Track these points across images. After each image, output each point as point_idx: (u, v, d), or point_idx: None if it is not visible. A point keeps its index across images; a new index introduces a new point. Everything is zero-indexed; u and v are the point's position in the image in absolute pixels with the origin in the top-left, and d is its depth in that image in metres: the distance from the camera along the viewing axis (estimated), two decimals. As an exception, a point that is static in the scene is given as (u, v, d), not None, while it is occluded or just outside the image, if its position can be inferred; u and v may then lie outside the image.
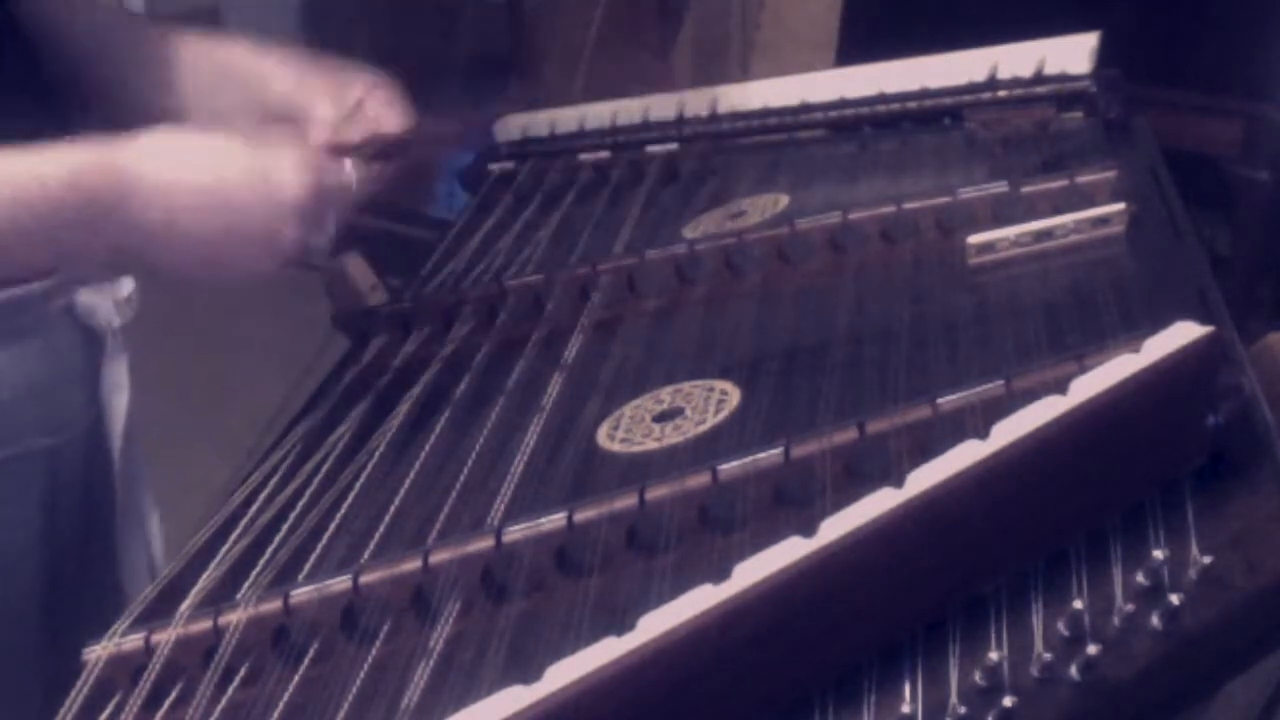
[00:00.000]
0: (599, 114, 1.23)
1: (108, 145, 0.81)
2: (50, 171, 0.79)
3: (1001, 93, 1.09)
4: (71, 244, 0.82)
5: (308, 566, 0.75)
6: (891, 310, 0.85)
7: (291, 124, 0.94)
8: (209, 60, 0.96)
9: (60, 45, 0.94)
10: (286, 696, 0.67)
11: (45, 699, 0.71)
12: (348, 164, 0.87)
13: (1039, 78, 1.08)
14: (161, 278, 0.85)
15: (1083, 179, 0.91)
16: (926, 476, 0.61)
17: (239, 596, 0.73)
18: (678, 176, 1.15)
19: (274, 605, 0.71)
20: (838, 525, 0.59)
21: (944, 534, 0.61)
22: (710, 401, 0.81)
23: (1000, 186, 0.92)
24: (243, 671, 0.70)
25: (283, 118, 0.94)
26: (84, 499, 0.92)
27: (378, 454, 0.86)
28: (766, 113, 1.17)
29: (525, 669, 0.58)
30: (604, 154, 1.20)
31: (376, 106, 0.95)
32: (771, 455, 0.70)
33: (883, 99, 1.13)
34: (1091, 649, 0.58)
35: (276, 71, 0.95)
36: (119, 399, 0.97)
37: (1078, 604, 0.60)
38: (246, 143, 0.84)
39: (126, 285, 0.95)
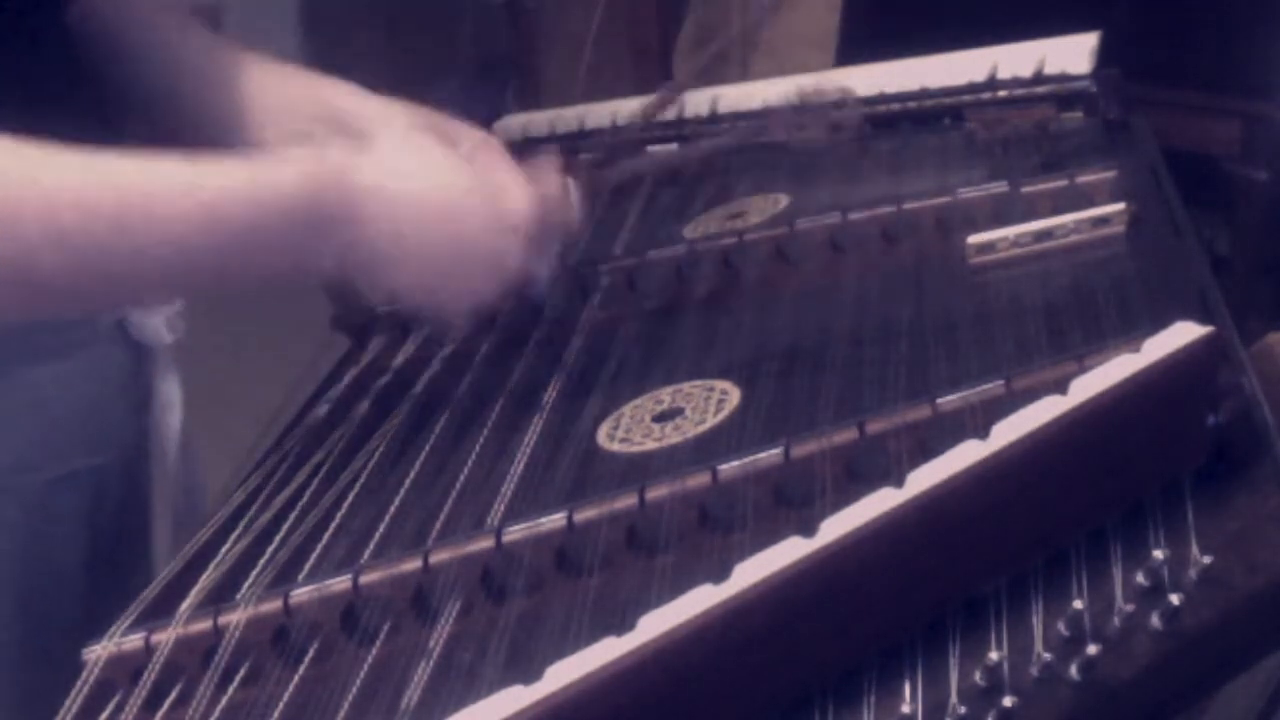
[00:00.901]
0: (599, 114, 1.23)
1: (334, 157, 0.78)
2: (280, 180, 0.75)
3: (1001, 93, 1.09)
4: (293, 256, 0.77)
5: (308, 566, 0.75)
6: (891, 310, 0.85)
7: None
8: (292, 92, 0.92)
9: (125, 57, 0.91)
10: (286, 696, 0.67)
11: None
12: (572, 189, 0.85)
13: (1039, 78, 1.09)
14: (381, 298, 0.81)
15: (1083, 179, 0.91)
16: (926, 476, 0.61)
17: (239, 596, 0.73)
18: (678, 176, 1.15)
19: (274, 605, 0.71)
20: (838, 525, 0.59)
21: (944, 534, 0.61)
22: (710, 401, 0.81)
23: (1000, 186, 0.92)
24: (243, 671, 0.70)
25: None
26: (123, 517, 0.91)
27: (378, 454, 0.86)
28: (766, 113, 1.17)
29: (525, 669, 0.58)
30: (603, 154, 1.20)
31: (487, 162, 0.92)
32: (771, 455, 0.70)
33: (883, 99, 1.13)
34: (1091, 649, 0.58)
35: (386, 119, 0.90)
36: (171, 417, 0.96)
37: (1078, 604, 0.60)
38: (471, 165, 0.80)
39: (176, 301, 0.93)
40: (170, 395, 0.96)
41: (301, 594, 0.71)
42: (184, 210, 0.73)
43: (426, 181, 0.79)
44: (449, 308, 0.83)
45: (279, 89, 0.92)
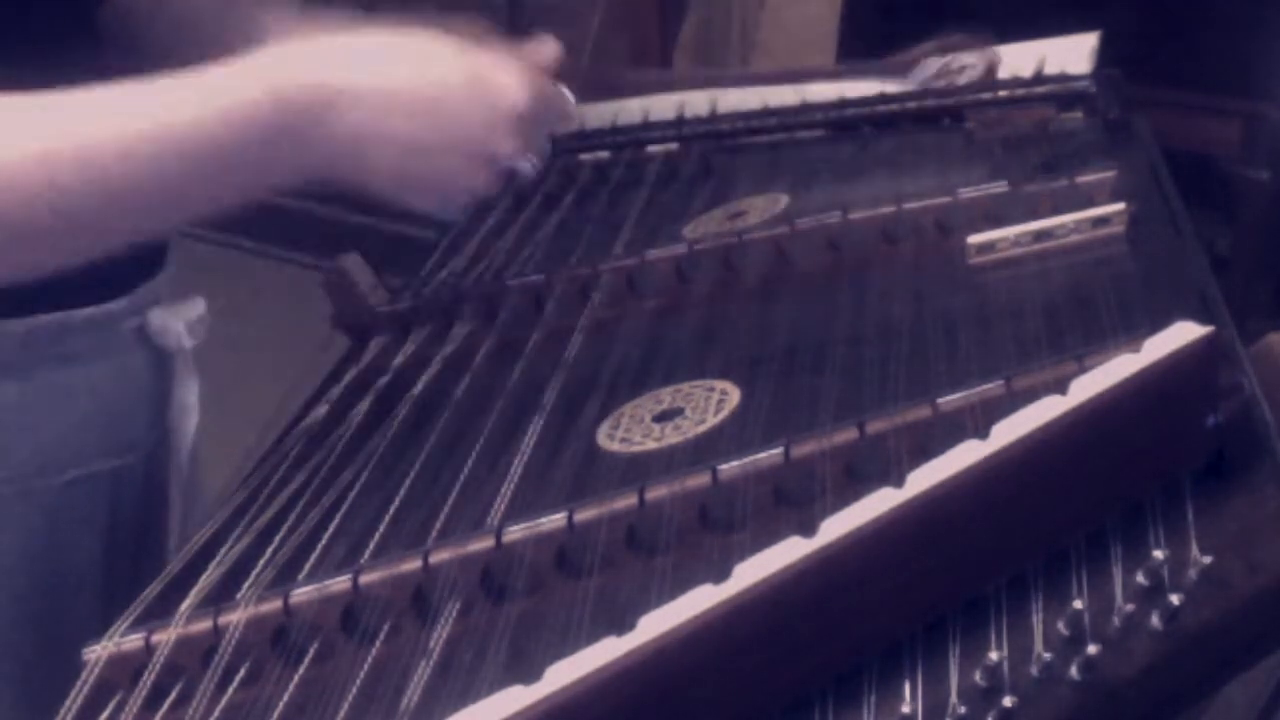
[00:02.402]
0: (599, 114, 1.23)
1: (301, 54, 0.76)
2: (249, 92, 0.73)
3: (1001, 93, 1.09)
4: (280, 163, 0.76)
5: (308, 566, 0.75)
6: (891, 310, 0.85)
7: None
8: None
9: (150, 52, 0.90)
10: (286, 696, 0.67)
11: None
12: (562, 88, 0.83)
13: (1039, 78, 1.09)
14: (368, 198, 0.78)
15: (1083, 179, 0.91)
16: (926, 476, 0.61)
17: (239, 596, 0.73)
18: (678, 176, 1.15)
19: (274, 605, 0.71)
20: (838, 525, 0.59)
21: (944, 534, 0.61)
22: (710, 401, 0.81)
23: (1000, 186, 0.92)
24: (243, 671, 0.70)
25: None
26: (141, 518, 0.91)
27: (378, 454, 0.86)
28: (766, 113, 1.17)
29: (525, 669, 0.58)
30: (604, 154, 1.20)
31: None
32: (771, 455, 0.70)
33: (883, 99, 1.13)
34: (1091, 649, 0.58)
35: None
36: (188, 421, 0.96)
37: (1078, 604, 0.60)
38: (459, 47, 0.78)
39: (198, 306, 0.93)
40: (188, 399, 0.96)
41: (301, 594, 0.71)
42: (160, 149, 0.72)
43: (411, 72, 0.77)
44: (433, 199, 0.80)
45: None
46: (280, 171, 0.77)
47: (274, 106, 0.74)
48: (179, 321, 0.91)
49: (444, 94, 0.77)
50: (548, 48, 0.85)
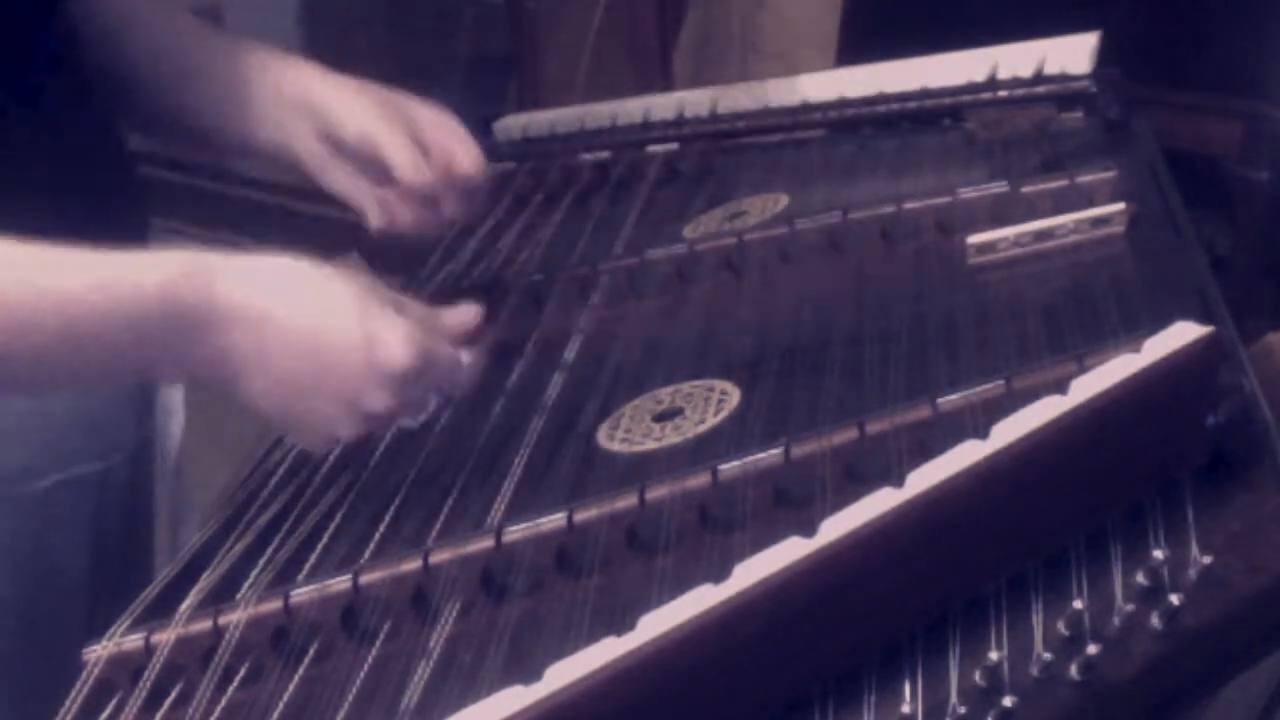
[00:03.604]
0: (599, 114, 1.23)
1: (203, 261, 0.75)
2: (142, 280, 0.74)
3: (1001, 93, 1.09)
4: (151, 358, 0.76)
5: (308, 566, 0.75)
6: (891, 310, 0.85)
7: (362, 161, 0.92)
8: (279, 81, 0.92)
9: (117, 46, 0.92)
10: (286, 696, 0.67)
11: None
12: (464, 354, 0.82)
13: (1039, 78, 1.08)
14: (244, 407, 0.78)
15: (1083, 179, 0.91)
16: (926, 476, 0.61)
17: (239, 596, 0.73)
18: (678, 176, 1.15)
19: (274, 605, 0.71)
20: (838, 525, 0.59)
21: (944, 534, 0.61)
22: (710, 401, 0.81)
23: (1000, 186, 0.92)
24: (243, 671, 0.70)
25: (351, 152, 0.92)
26: (127, 521, 0.91)
27: (378, 454, 0.86)
28: (766, 113, 1.17)
29: (525, 669, 0.58)
30: (604, 154, 1.20)
31: (448, 144, 0.92)
32: (771, 455, 0.70)
33: (883, 99, 1.13)
34: (1091, 649, 0.58)
35: (351, 106, 0.91)
36: (173, 423, 0.96)
37: (1078, 604, 0.60)
38: (359, 298, 0.77)
39: None
40: (173, 402, 0.96)
41: (301, 594, 0.71)
42: (39, 314, 0.72)
43: (302, 310, 0.76)
44: (305, 435, 0.80)
45: (268, 81, 0.93)
46: (159, 365, 0.77)
47: (161, 302, 0.73)
48: None
49: (328, 339, 0.76)
50: (464, 315, 0.85)
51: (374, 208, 0.93)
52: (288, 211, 2.74)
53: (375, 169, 0.92)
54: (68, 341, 0.73)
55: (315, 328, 0.76)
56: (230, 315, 0.74)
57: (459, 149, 0.93)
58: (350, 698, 0.66)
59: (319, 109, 0.92)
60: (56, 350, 0.73)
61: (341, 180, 0.94)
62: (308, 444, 0.82)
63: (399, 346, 0.76)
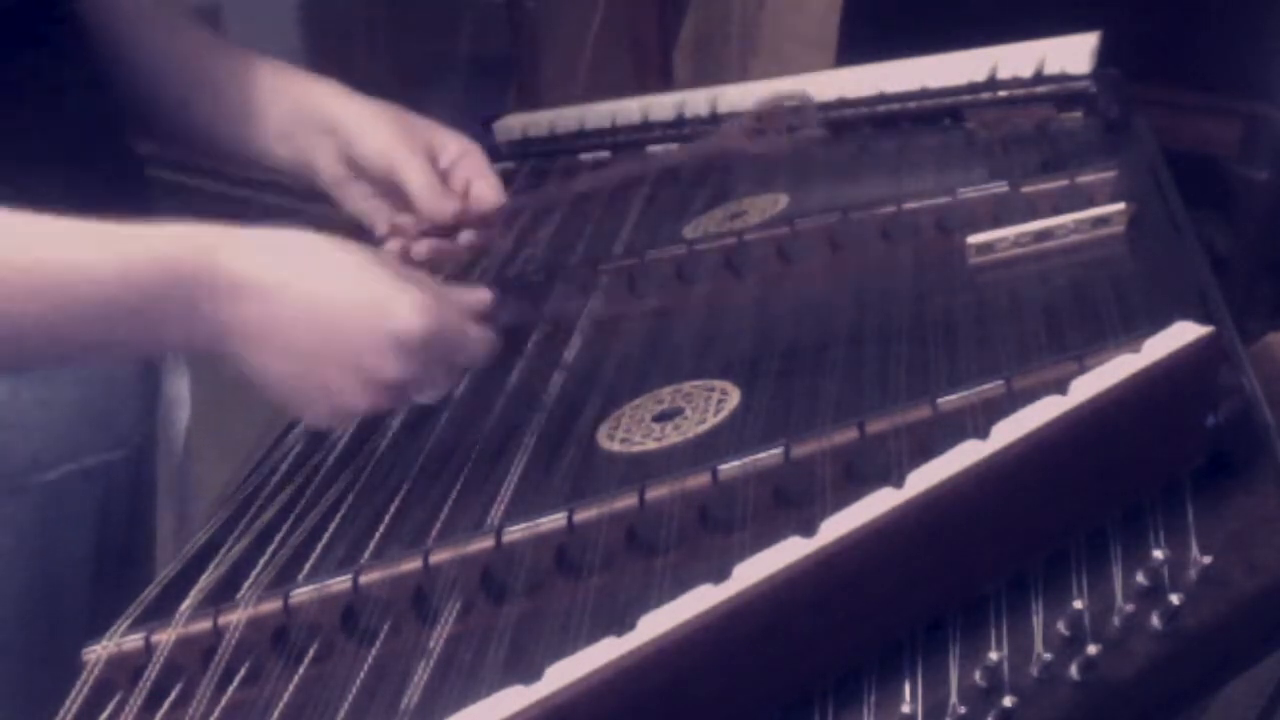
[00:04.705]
0: (599, 114, 1.23)
1: (207, 238, 0.74)
2: (144, 253, 0.73)
3: (1001, 93, 1.09)
4: (155, 330, 0.75)
5: (308, 566, 0.75)
6: (891, 310, 0.85)
7: (381, 184, 0.91)
8: (292, 95, 0.92)
9: (126, 53, 0.91)
10: (286, 696, 0.67)
11: None
12: (481, 329, 0.80)
13: (1039, 78, 1.08)
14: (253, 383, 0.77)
15: (1083, 179, 0.91)
16: (926, 476, 0.61)
17: (239, 596, 0.73)
18: (678, 176, 1.15)
19: (274, 605, 0.71)
20: (838, 525, 0.59)
21: (944, 534, 0.61)
22: (710, 401, 0.81)
23: (1000, 186, 0.92)
24: (243, 671, 0.70)
25: (370, 175, 0.91)
26: (131, 512, 0.91)
27: (378, 454, 0.86)
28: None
29: (525, 669, 0.58)
30: (604, 154, 1.20)
31: (468, 173, 0.92)
32: (771, 455, 0.70)
33: (883, 99, 1.13)
34: (1091, 649, 0.58)
35: (368, 125, 0.90)
36: (179, 414, 0.96)
37: (1078, 604, 0.60)
38: (368, 265, 0.76)
39: None
40: (178, 392, 0.96)
41: (301, 594, 0.71)
42: (31, 285, 0.72)
43: (309, 277, 0.75)
44: (316, 408, 0.78)
45: (278, 93, 0.92)
46: (165, 337, 0.76)
47: (165, 274, 0.73)
48: None
49: (338, 306, 0.75)
50: (480, 295, 0.83)
51: (388, 232, 0.92)
52: (288, 211, 2.74)
53: (394, 193, 0.91)
54: (69, 313, 0.72)
55: (324, 295, 0.75)
56: (236, 285, 0.73)
57: (479, 179, 0.92)
58: (350, 698, 0.66)
59: (338, 128, 0.91)
60: (57, 322, 0.73)
61: (359, 202, 0.93)
62: (319, 418, 0.80)
63: (411, 312, 0.75)
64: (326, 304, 0.75)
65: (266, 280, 0.74)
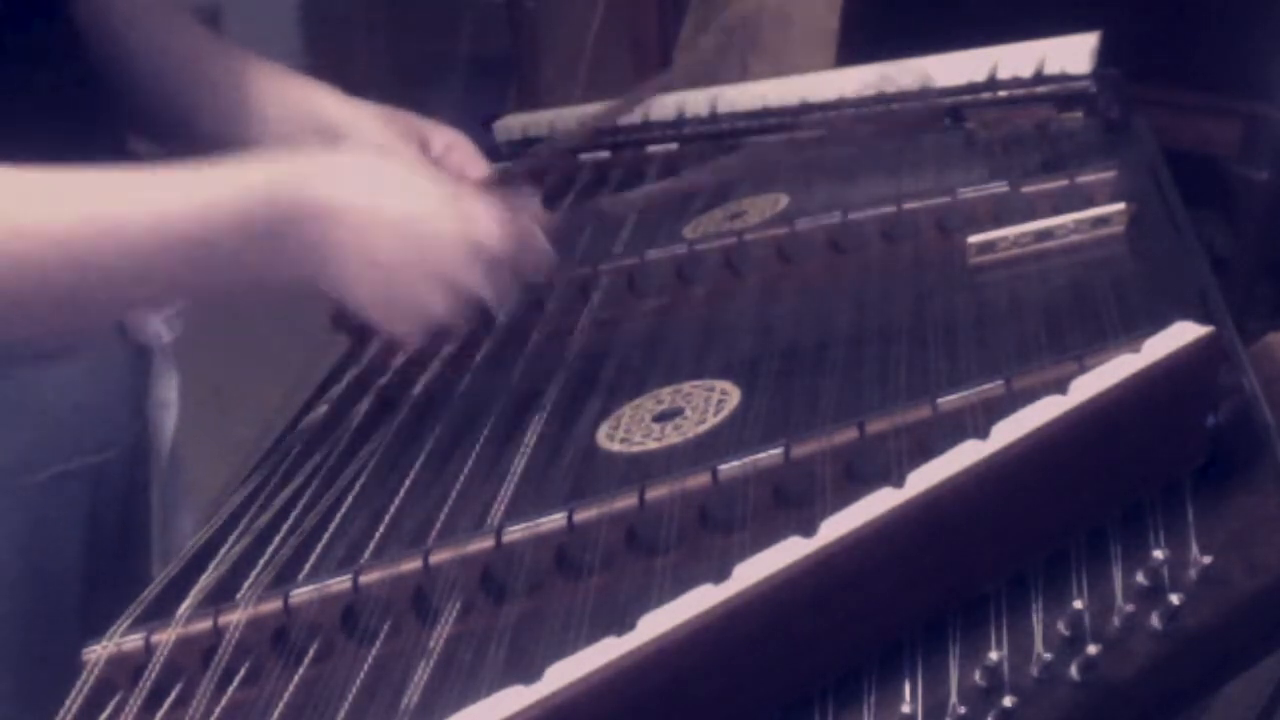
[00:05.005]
0: (599, 114, 1.23)
1: (294, 166, 0.78)
2: (234, 194, 0.75)
3: (1001, 93, 1.09)
4: (256, 268, 0.78)
5: (308, 566, 0.75)
6: (891, 310, 0.85)
7: None
8: (289, 97, 0.93)
9: (122, 50, 0.92)
10: (286, 696, 0.67)
11: None
12: (545, 240, 0.84)
13: (1039, 78, 1.09)
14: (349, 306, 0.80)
15: (1083, 179, 0.91)
16: (926, 476, 0.61)
17: (239, 596, 0.73)
18: (677, 177, 1.15)
19: (274, 605, 0.71)
20: (838, 525, 0.59)
21: (944, 534, 0.61)
22: (710, 401, 0.81)
23: (1000, 186, 0.92)
24: (243, 671, 0.70)
25: None
26: (123, 514, 0.92)
27: (378, 454, 0.86)
28: (766, 113, 1.17)
29: (525, 669, 0.58)
30: (604, 154, 1.20)
31: (459, 161, 0.94)
32: (771, 455, 0.70)
33: (883, 99, 1.13)
34: (1091, 649, 0.58)
35: (362, 125, 0.92)
36: (167, 416, 0.96)
37: (1078, 604, 0.60)
38: (447, 182, 0.80)
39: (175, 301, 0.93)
40: (167, 394, 0.96)
41: (301, 594, 0.71)
42: (136, 230, 0.74)
43: (394, 196, 0.78)
44: (403, 324, 0.81)
45: (275, 94, 0.93)
46: (262, 272, 0.79)
47: (263, 210, 0.76)
48: (157, 317, 0.91)
49: (424, 217, 0.78)
50: (534, 202, 0.88)
51: None
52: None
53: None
54: (167, 264, 0.75)
55: (414, 212, 0.78)
56: (331, 212, 0.76)
57: (470, 166, 0.94)
58: (350, 698, 0.66)
59: (330, 128, 0.92)
60: (158, 272, 0.75)
61: None
62: (402, 328, 0.82)
63: (494, 223, 0.79)
64: (417, 220, 0.78)
65: (360, 202, 0.77)
